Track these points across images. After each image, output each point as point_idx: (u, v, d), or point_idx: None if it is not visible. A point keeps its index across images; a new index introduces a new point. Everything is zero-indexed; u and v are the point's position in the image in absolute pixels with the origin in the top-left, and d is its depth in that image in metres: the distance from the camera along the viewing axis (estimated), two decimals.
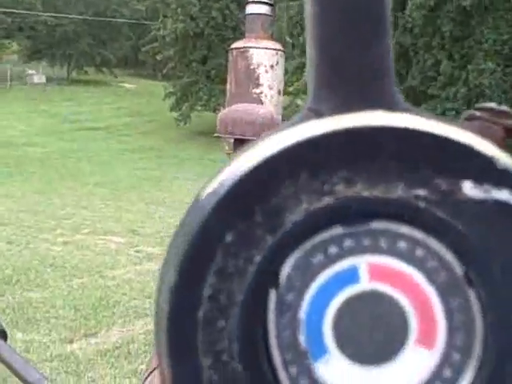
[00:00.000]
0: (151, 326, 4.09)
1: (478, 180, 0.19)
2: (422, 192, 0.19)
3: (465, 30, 17.39)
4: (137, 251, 6.07)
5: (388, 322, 0.19)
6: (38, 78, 28.94)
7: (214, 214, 0.19)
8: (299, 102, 17.48)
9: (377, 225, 0.19)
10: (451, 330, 0.19)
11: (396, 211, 0.19)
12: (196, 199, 0.20)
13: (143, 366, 3.41)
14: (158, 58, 22.96)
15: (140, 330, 4.02)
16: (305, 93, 17.93)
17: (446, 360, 0.19)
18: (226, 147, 2.23)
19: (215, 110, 20.24)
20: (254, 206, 0.19)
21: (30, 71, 29.41)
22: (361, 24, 0.20)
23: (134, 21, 31.87)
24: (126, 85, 29.62)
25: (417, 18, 17.59)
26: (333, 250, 0.20)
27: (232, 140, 1.68)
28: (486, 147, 0.19)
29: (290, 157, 0.19)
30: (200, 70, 21.34)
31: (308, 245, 0.19)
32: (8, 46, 31.79)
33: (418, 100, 18.79)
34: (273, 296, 0.19)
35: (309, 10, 0.21)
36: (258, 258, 0.19)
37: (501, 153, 0.19)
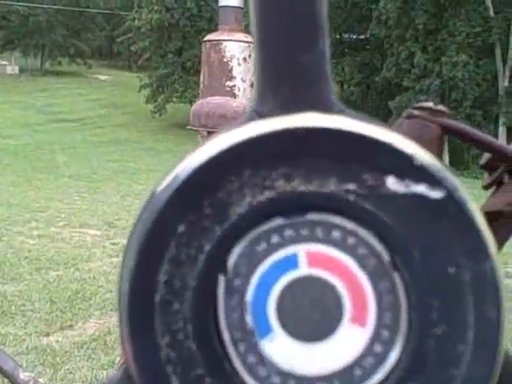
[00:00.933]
0: None
1: (400, 176, 0.21)
2: (351, 186, 0.21)
3: (438, 23, 17.53)
4: (112, 244, 6.05)
5: (325, 304, 0.22)
6: (11, 69, 28.48)
7: (167, 208, 0.22)
8: None
9: (313, 216, 0.22)
10: (380, 310, 0.22)
11: (329, 204, 0.22)
12: (152, 193, 0.23)
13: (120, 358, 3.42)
14: (133, 49, 22.76)
15: (116, 321, 4.01)
16: None
17: (376, 337, 0.22)
18: (200, 139, 2.24)
19: (191, 102, 20.12)
20: (203, 199, 0.21)
21: (3, 62, 28.92)
22: (298, 31, 0.23)
23: (108, 11, 31.47)
24: (101, 76, 29.29)
25: (391, 10, 17.68)
26: (275, 239, 0.22)
27: (205, 132, 1.69)
28: (407, 146, 0.22)
29: (234, 155, 0.22)
30: (175, 62, 21.19)
31: (252, 235, 0.22)
32: None
33: (392, 92, 18.91)
34: (222, 281, 0.22)
35: (252, 15, 0.23)
36: (207, 247, 0.21)
37: (420, 150, 0.22)
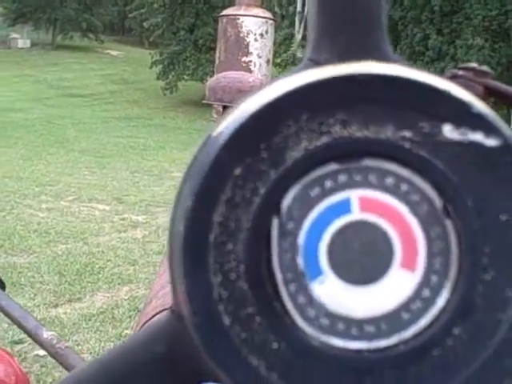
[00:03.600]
0: (135, 293, 4.13)
1: (456, 123, 0.21)
2: (407, 133, 0.22)
3: (454, 5, 17.31)
4: (121, 219, 6.08)
5: (375, 248, 0.22)
6: (23, 43, 28.45)
7: (224, 150, 0.22)
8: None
9: (367, 162, 0.22)
10: (430, 256, 0.22)
11: (384, 150, 0.22)
12: (208, 136, 0.23)
13: (128, 331, 3.45)
14: (145, 25, 22.64)
15: (124, 295, 4.05)
16: (293, 64, 17.82)
17: (425, 281, 0.22)
18: (215, 115, 2.24)
19: (202, 80, 20.08)
20: (260, 143, 0.22)
21: (15, 35, 28.88)
22: None
23: None
24: (113, 52, 29.22)
25: None
26: (328, 184, 0.22)
27: (221, 107, 1.69)
28: (463, 94, 0.22)
29: (291, 100, 0.22)
30: (187, 39, 21.09)
31: (306, 179, 0.22)
32: None
33: None
34: (275, 224, 0.22)
35: None
36: (262, 190, 0.22)
37: (476, 99, 0.22)
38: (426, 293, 0.22)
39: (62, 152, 10.34)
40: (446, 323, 0.22)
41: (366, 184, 0.22)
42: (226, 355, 0.22)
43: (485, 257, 0.22)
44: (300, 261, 0.22)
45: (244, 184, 0.22)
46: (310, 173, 0.22)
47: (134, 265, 4.64)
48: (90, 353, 3.19)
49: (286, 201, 0.22)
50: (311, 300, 0.22)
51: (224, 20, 2.18)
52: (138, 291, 4.13)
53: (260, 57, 2.12)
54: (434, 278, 0.22)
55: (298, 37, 18.61)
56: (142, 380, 0.24)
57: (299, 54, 17.94)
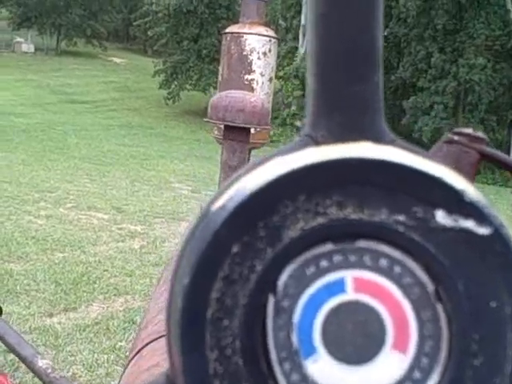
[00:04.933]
0: (131, 304, 4.12)
1: (449, 210, 0.22)
2: (401, 218, 0.22)
3: (458, 24, 17.41)
4: (119, 228, 6.08)
5: (368, 329, 0.22)
6: (27, 47, 28.55)
7: (223, 228, 0.22)
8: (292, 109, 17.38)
9: (362, 243, 0.22)
10: (422, 338, 0.22)
11: (379, 233, 0.22)
12: (206, 212, 0.23)
13: (122, 343, 3.44)
14: (150, 33, 22.74)
15: (120, 307, 4.04)
16: (295, 77, 17.88)
17: (416, 363, 0.23)
18: (216, 131, 2.24)
19: (205, 90, 20.14)
20: (258, 222, 0.22)
21: (19, 39, 28.99)
22: (356, 61, 0.23)
23: None
24: (116, 59, 29.32)
25: (411, 8, 17.58)
26: (324, 263, 0.23)
27: (222, 126, 1.70)
28: (457, 181, 0.22)
29: (290, 180, 0.22)
30: (191, 49, 21.18)
31: (303, 258, 0.23)
32: None
33: (407, 92, 18.83)
34: (271, 301, 0.22)
35: (310, 44, 0.24)
36: (259, 268, 0.22)
37: (468, 186, 0.22)
38: (417, 375, 0.22)
39: (62, 158, 10.35)
40: None
41: (360, 265, 0.22)
42: None
43: (474, 342, 0.22)
44: (294, 339, 0.22)
45: (241, 261, 0.22)
46: (305, 252, 0.22)
47: (130, 276, 4.63)
48: (83, 364, 3.18)
49: (282, 279, 0.22)
50: (305, 378, 0.22)
51: (228, 37, 2.20)
52: (134, 303, 4.12)
53: (263, 75, 2.13)
54: (425, 361, 0.22)
55: (302, 50, 18.69)
56: None
57: (302, 69, 18.00)
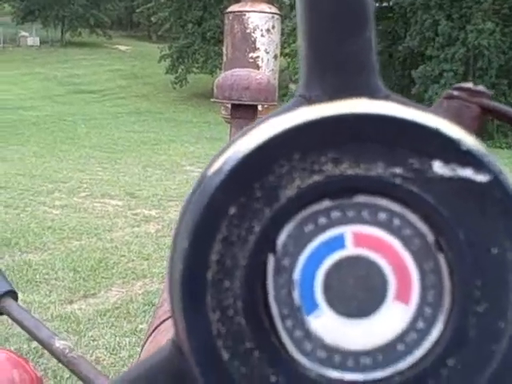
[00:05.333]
0: (149, 287, 4.15)
1: (446, 160, 0.22)
2: (398, 170, 0.22)
3: None
4: (134, 214, 6.12)
5: (370, 282, 0.22)
6: (32, 40, 28.56)
7: (219, 191, 0.22)
8: (293, 85, 17.26)
9: (360, 198, 0.22)
10: (424, 288, 0.23)
11: (376, 187, 0.22)
12: (202, 177, 0.23)
13: (142, 326, 3.48)
14: (153, 19, 22.63)
15: (139, 290, 4.08)
16: None
17: (419, 313, 0.23)
18: (223, 111, 2.24)
19: (211, 73, 20.07)
20: (254, 182, 0.22)
21: (24, 33, 28.99)
22: (345, 19, 0.23)
23: None
24: (121, 47, 29.26)
25: None
26: (322, 220, 0.23)
27: (229, 105, 1.69)
28: (452, 130, 0.22)
29: (284, 140, 0.22)
30: (196, 32, 21.06)
31: (300, 216, 0.23)
32: (0, 8, 31.26)
33: (415, 61, 18.63)
34: (271, 260, 0.23)
35: (298, 5, 0.24)
36: (257, 228, 0.22)
37: (465, 135, 0.22)
38: (421, 325, 0.22)
39: (73, 148, 10.40)
40: (440, 354, 0.22)
41: (359, 220, 0.22)
42: None
43: (477, 289, 0.22)
44: (296, 296, 0.22)
45: (239, 223, 0.22)
46: (303, 210, 0.22)
47: (147, 259, 4.67)
48: (106, 348, 3.23)
49: (281, 238, 0.22)
50: (308, 334, 0.22)
51: (230, 17, 2.18)
52: (152, 285, 4.16)
53: (267, 52, 2.12)
54: (428, 311, 0.22)
55: None
56: None
57: None
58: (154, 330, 0.81)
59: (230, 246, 0.22)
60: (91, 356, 3.10)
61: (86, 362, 0.60)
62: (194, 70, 20.78)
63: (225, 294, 0.22)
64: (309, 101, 0.23)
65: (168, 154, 10.22)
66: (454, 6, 17.21)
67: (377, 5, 20.67)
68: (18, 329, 0.66)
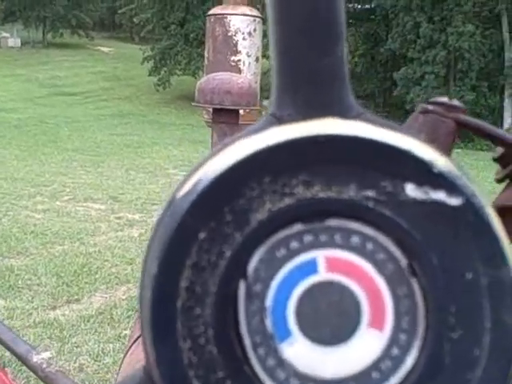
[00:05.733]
0: (133, 292, 4.12)
1: (419, 182, 0.21)
2: (370, 193, 0.22)
3: None
4: (117, 218, 6.07)
5: (343, 308, 0.22)
6: (13, 42, 28.29)
7: (188, 215, 0.22)
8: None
9: (332, 222, 0.22)
10: (398, 314, 0.22)
11: (348, 210, 0.22)
12: (172, 200, 0.23)
13: (126, 332, 3.45)
14: (136, 20, 22.54)
15: (122, 295, 4.05)
16: None
17: (394, 340, 0.22)
18: (205, 115, 2.23)
19: (194, 74, 20.02)
20: (224, 206, 0.22)
21: (5, 34, 28.71)
22: (317, 34, 0.23)
23: None
24: (103, 48, 29.09)
25: None
26: (294, 244, 0.22)
27: (210, 109, 1.69)
28: (425, 152, 0.22)
29: (254, 162, 0.22)
30: (178, 33, 21.00)
31: (272, 240, 0.22)
32: None
33: (397, 63, 18.74)
34: (242, 286, 0.22)
35: (270, 17, 0.23)
36: (228, 253, 0.22)
37: (438, 156, 0.22)
38: (395, 351, 0.22)
39: (56, 152, 10.31)
40: (415, 382, 0.22)
41: (331, 244, 0.22)
42: None
43: (451, 315, 0.22)
44: (268, 323, 0.22)
45: (209, 248, 0.22)
46: (275, 234, 0.22)
47: (131, 264, 4.64)
48: (89, 354, 3.20)
49: (252, 263, 0.22)
50: (281, 362, 0.22)
51: (212, 19, 2.17)
52: (136, 291, 4.13)
53: (249, 55, 2.12)
54: (403, 337, 0.22)
55: None
56: None
57: None
58: (133, 343, 0.80)
59: (200, 271, 0.22)
60: (75, 363, 3.07)
61: (64, 377, 0.59)
62: (177, 71, 20.71)
63: (195, 322, 0.22)
64: (279, 120, 0.23)
65: (151, 157, 10.17)
66: (435, 8, 17.35)
67: (359, 6, 20.78)
68: None
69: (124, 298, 4.00)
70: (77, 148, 10.85)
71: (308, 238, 0.22)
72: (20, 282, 4.15)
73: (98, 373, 2.98)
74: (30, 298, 3.89)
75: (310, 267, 0.22)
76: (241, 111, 1.70)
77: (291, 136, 0.22)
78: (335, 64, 0.23)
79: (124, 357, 0.83)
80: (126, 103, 19.29)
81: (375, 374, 0.22)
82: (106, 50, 28.88)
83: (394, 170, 0.21)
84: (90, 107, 18.19)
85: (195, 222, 0.22)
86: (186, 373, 0.22)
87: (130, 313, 3.73)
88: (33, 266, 4.46)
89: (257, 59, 2.20)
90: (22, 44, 28.23)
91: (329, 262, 0.22)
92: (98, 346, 3.29)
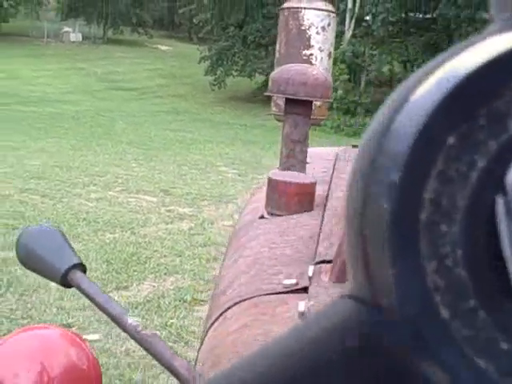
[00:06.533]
0: (181, 283, 4.14)
1: None
2: None
3: None
4: (168, 211, 6.13)
5: None
6: (75, 36, 29.04)
7: (435, 116, 0.19)
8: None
9: None
10: None
11: None
12: (403, 100, 0.19)
13: (173, 320, 3.47)
14: (195, 20, 22.83)
15: (170, 286, 4.07)
16: (342, 62, 17.63)
17: None
18: (274, 108, 2.21)
19: (250, 76, 20.13)
20: (478, 109, 0.18)
21: (67, 29, 29.49)
22: None
23: None
24: (161, 46, 29.56)
25: None
26: None
27: (283, 100, 1.67)
28: None
29: None
30: (236, 35, 21.16)
31: None
32: (46, 3, 31.87)
33: None
34: (500, 204, 0.18)
35: None
36: (481, 163, 0.19)
37: None
38: None
39: (110, 144, 10.50)
40: None
41: None
42: (447, 354, 0.18)
43: None
44: None
45: (459, 155, 0.18)
46: None
47: (180, 256, 4.67)
48: None
49: (511, 176, 0.18)
50: None
51: (285, 12, 2.15)
52: (184, 282, 4.15)
53: (322, 50, 2.09)
54: None
55: (349, 34, 18.42)
56: (332, 380, 0.20)
57: (349, 53, 17.75)
58: (218, 317, 0.79)
59: (448, 182, 0.18)
60: (121, 347, 3.10)
61: (161, 341, 0.58)
62: (233, 72, 20.87)
63: (442, 240, 0.18)
64: None
65: (203, 154, 10.24)
66: None
67: (420, 16, 20.49)
68: None
69: (172, 288, 4.02)
70: (131, 141, 11.02)
71: None
72: None
73: (144, 358, 3.00)
74: None
75: None
76: (317, 103, 1.67)
77: None
78: None
79: (207, 331, 0.82)
80: (181, 101, 19.54)
81: None
82: (164, 48, 29.33)
83: None
84: (146, 103, 18.50)
85: (443, 125, 0.18)
86: (431, 297, 0.19)
87: (176, 303, 3.74)
88: (84, 252, 4.54)
89: (329, 54, 2.17)
90: (82, 39, 28.95)
91: None
92: None
